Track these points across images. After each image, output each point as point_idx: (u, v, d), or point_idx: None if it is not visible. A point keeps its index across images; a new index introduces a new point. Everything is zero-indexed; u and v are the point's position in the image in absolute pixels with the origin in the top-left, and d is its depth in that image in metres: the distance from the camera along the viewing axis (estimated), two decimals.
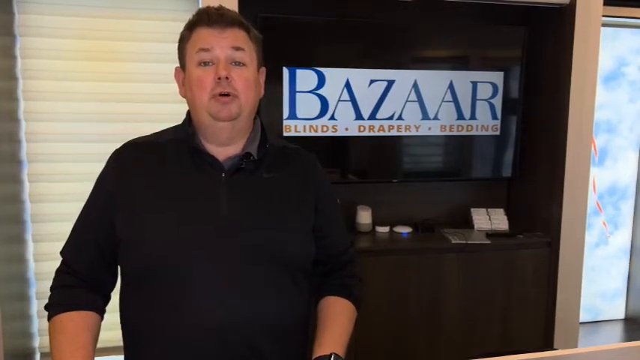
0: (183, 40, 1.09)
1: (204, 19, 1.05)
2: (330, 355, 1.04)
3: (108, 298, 1.14)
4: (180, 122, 1.18)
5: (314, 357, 1.06)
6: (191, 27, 1.08)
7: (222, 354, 1.02)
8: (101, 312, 1.10)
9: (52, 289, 1.10)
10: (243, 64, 1.06)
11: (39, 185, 2.28)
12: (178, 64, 1.13)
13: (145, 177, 1.07)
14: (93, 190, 1.12)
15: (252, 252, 1.04)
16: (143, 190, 1.06)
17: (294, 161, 1.18)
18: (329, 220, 1.19)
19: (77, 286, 1.08)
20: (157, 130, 1.18)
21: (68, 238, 1.12)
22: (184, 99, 1.12)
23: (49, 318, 1.06)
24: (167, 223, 1.03)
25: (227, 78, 1.03)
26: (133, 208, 1.05)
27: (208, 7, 1.07)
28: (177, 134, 1.13)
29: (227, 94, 1.04)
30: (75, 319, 1.04)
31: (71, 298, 1.07)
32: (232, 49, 1.05)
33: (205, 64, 1.04)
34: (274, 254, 1.07)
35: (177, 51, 1.12)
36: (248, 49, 1.07)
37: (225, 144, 1.10)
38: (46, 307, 1.08)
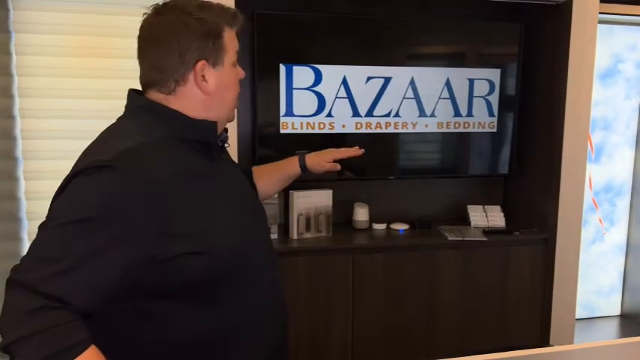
0: (222, 35, 1.04)
1: (237, 21, 1.09)
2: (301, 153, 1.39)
3: None
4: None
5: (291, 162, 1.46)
6: (231, 24, 1.08)
7: (286, 328, 1.19)
8: None
9: (35, 333, 0.80)
10: None
11: (35, 183, 2.27)
12: (202, 60, 1.03)
13: (178, 183, 0.95)
14: (106, 224, 0.88)
15: (267, 227, 1.24)
16: (186, 197, 0.95)
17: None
18: None
19: (74, 320, 0.85)
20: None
21: (65, 276, 0.84)
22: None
23: None
24: (232, 220, 1.06)
25: None
26: (187, 217, 0.94)
27: (239, 12, 1.11)
28: (165, 129, 1.02)
29: None
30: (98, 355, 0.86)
31: (74, 335, 0.84)
32: None
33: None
34: (267, 225, 1.26)
35: (204, 42, 1.02)
36: None
37: None
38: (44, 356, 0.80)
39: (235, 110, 1.15)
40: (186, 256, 0.93)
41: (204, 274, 0.96)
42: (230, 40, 1.07)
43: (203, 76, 1.03)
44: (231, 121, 1.15)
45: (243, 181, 1.21)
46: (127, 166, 0.90)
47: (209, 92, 1.04)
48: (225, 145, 1.17)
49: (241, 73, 1.13)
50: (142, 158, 0.93)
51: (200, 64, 1.02)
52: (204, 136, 1.05)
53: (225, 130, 1.17)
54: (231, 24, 1.08)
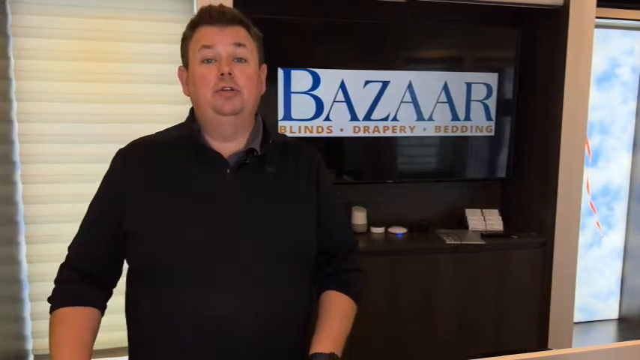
0: (186, 39, 1.12)
1: (206, 17, 1.08)
2: (330, 355, 1.05)
3: (110, 294, 1.15)
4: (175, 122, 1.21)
5: (312, 352, 1.07)
6: (193, 26, 1.10)
7: (232, 349, 1.04)
8: (103, 308, 1.11)
9: (56, 282, 1.11)
10: (245, 60, 1.10)
11: (32, 186, 2.27)
12: (181, 64, 1.15)
13: (152, 174, 1.09)
14: (100, 188, 1.13)
15: (263, 247, 1.07)
16: (150, 187, 1.07)
17: (295, 155, 1.21)
18: (330, 211, 1.23)
19: (80, 281, 1.09)
20: (156, 131, 1.20)
21: (76, 235, 1.13)
22: (187, 98, 1.15)
23: (51, 310, 1.07)
24: (176, 220, 1.05)
25: (229, 74, 1.05)
26: (141, 205, 1.06)
27: (210, 6, 1.10)
28: (181, 131, 1.15)
29: (230, 89, 1.06)
30: (77, 315, 1.05)
31: (74, 292, 1.07)
32: (234, 46, 1.08)
33: (208, 61, 1.07)
34: (283, 249, 1.09)
35: (179, 50, 1.14)
36: (249, 46, 1.11)
37: (229, 139, 1.12)
38: (49, 300, 1.09)
39: (220, 106, 1.06)
40: (128, 236, 1.07)
41: (138, 257, 1.07)
42: (198, 39, 1.08)
43: (185, 80, 1.13)
44: (222, 114, 1.06)
45: (251, 197, 1.09)
46: (126, 152, 1.13)
47: (185, 93, 1.14)
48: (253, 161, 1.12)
49: (207, 69, 1.06)
50: (138, 149, 1.13)
51: (177, 69, 1.15)
52: (196, 140, 1.11)
53: (252, 150, 1.11)
54: (200, 22, 1.09)
